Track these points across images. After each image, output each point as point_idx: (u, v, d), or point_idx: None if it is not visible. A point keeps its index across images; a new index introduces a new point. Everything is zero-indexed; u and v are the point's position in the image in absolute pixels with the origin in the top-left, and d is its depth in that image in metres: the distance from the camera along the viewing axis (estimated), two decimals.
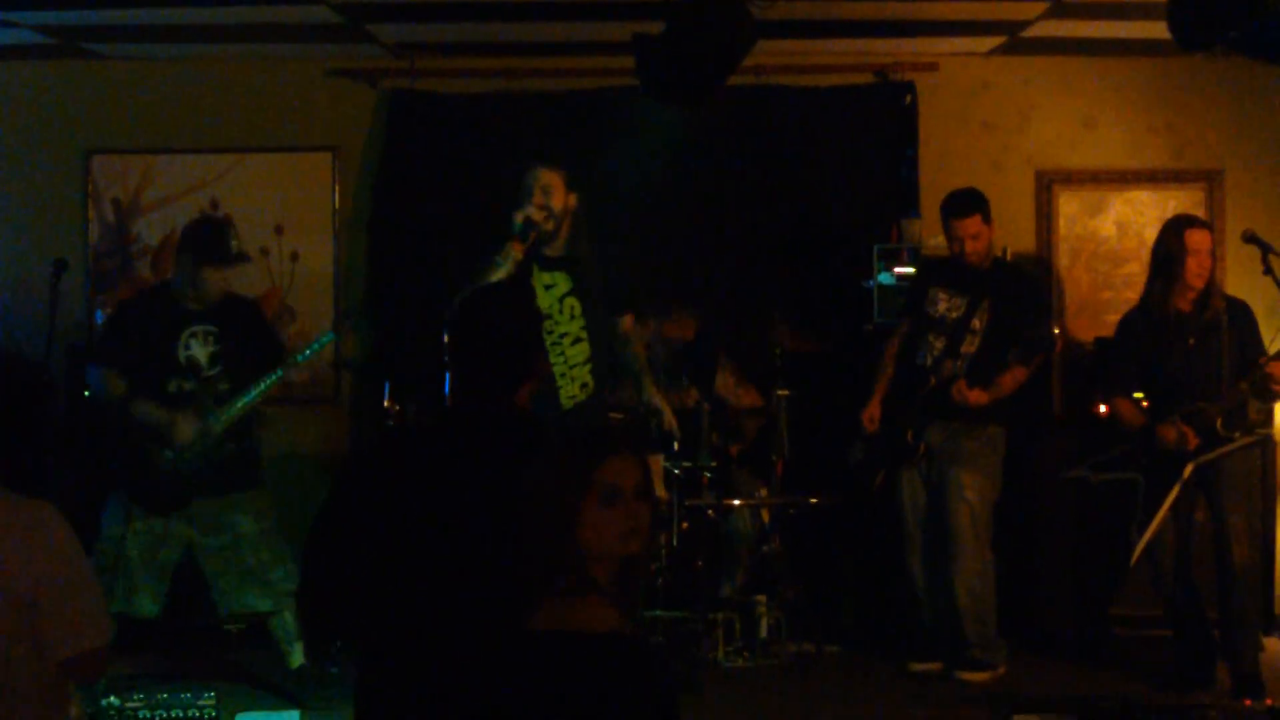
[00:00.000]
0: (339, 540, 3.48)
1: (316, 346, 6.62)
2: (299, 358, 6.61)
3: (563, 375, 6.03)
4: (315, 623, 4.55)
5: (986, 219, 6.88)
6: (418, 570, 3.41)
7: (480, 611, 3.29)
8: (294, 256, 8.29)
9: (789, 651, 7.03)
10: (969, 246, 6.87)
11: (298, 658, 6.73)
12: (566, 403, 6.05)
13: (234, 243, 6.53)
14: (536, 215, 5.94)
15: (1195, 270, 6.51)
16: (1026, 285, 7.10)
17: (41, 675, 3.54)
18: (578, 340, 6.05)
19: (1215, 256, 6.62)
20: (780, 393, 7.09)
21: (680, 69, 6.29)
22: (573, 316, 6.05)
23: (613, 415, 6.84)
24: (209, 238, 6.53)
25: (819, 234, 8.12)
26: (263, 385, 6.47)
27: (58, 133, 8.37)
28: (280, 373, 6.50)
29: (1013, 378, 6.75)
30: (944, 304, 6.95)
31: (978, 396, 6.70)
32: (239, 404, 6.44)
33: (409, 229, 8.14)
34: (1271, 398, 6.55)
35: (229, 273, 6.52)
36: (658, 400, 6.44)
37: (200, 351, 6.48)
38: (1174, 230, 6.61)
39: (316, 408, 8.17)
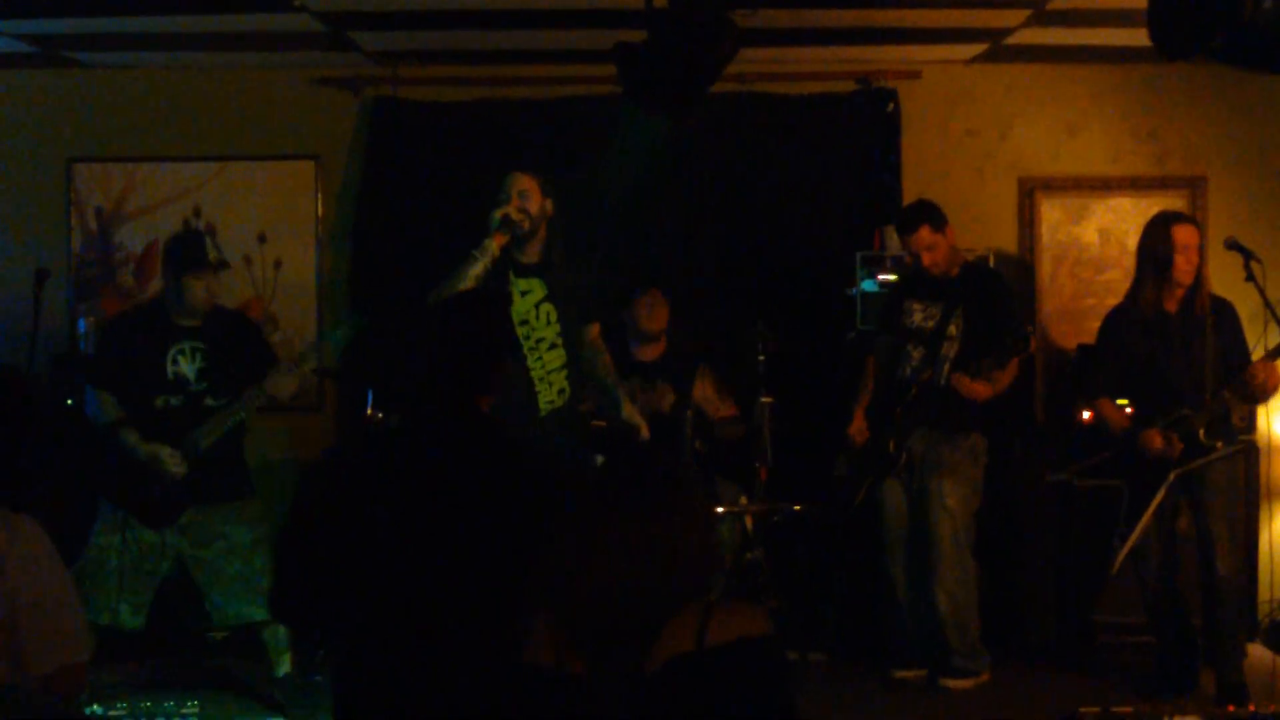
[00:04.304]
0: (305, 541, 3.51)
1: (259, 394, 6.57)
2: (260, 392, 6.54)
3: (541, 380, 6.02)
4: (288, 620, 4.62)
5: (937, 227, 6.87)
6: (384, 571, 3.43)
7: (457, 613, 3.32)
8: (277, 264, 8.29)
9: None
10: (926, 259, 6.88)
11: (284, 666, 6.72)
12: (544, 408, 6.04)
13: (211, 251, 6.55)
14: (515, 215, 5.97)
15: (1183, 267, 6.45)
16: (996, 286, 7.09)
17: (21, 690, 3.53)
18: (554, 346, 6.05)
19: (1203, 253, 6.58)
20: (764, 400, 7.07)
21: (663, 77, 6.27)
22: (549, 322, 6.05)
23: (595, 423, 6.83)
24: (186, 248, 6.56)
25: (802, 241, 8.11)
26: (243, 410, 6.48)
27: (40, 141, 8.35)
28: (254, 399, 6.50)
29: (999, 380, 6.75)
30: (919, 314, 6.96)
31: (981, 388, 6.68)
32: (226, 423, 6.45)
33: (392, 237, 8.13)
34: (1253, 399, 6.53)
35: (212, 281, 6.52)
36: (637, 419, 6.41)
37: (187, 367, 6.48)
38: (1161, 227, 6.54)
39: (302, 416, 8.13)
